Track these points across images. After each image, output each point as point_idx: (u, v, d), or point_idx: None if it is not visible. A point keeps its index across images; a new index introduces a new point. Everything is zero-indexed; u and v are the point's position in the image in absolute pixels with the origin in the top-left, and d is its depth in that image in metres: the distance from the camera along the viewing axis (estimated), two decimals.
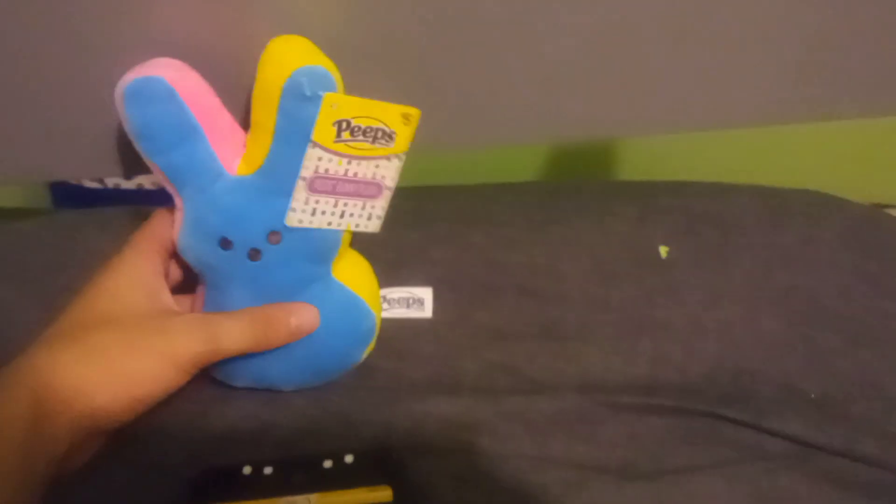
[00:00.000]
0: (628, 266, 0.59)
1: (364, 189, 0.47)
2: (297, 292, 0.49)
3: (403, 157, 0.47)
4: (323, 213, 0.46)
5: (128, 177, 0.55)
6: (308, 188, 0.45)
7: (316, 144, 0.43)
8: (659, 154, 0.98)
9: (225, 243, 0.47)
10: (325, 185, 0.45)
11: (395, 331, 0.54)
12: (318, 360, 0.51)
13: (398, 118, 0.45)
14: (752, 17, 0.52)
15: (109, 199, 1.14)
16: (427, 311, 0.58)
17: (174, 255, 0.50)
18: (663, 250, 0.59)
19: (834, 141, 1.13)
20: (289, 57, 0.43)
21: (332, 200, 0.46)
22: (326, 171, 0.45)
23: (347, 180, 0.46)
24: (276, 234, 0.47)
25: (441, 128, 0.55)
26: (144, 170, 0.50)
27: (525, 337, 0.57)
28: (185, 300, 0.52)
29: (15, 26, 0.47)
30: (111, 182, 1.16)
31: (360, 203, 0.47)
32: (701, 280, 0.59)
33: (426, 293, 0.58)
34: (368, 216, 0.48)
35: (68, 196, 1.15)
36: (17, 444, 0.39)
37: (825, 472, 0.52)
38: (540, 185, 0.67)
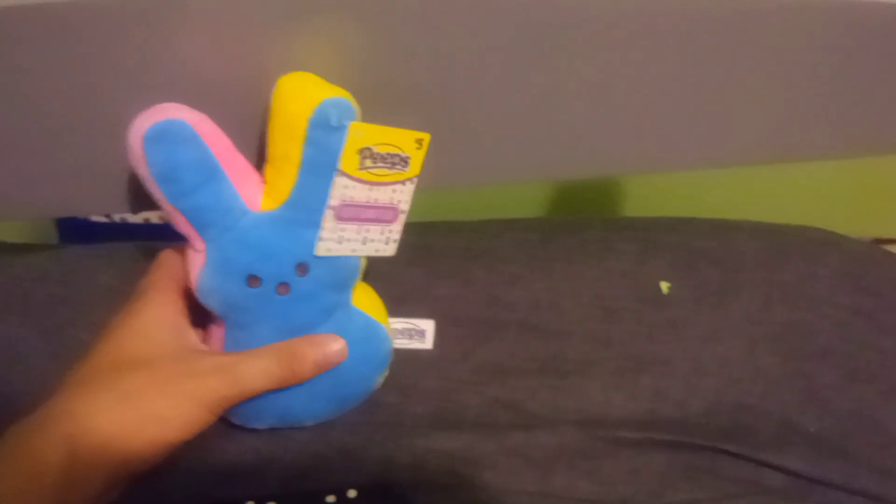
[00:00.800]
0: (629, 302, 0.60)
1: (383, 214, 0.48)
2: (321, 323, 0.49)
3: (416, 181, 0.48)
4: (349, 240, 0.47)
5: (135, 212, 0.55)
6: (336, 217, 0.46)
7: (342, 173, 0.44)
8: (660, 190, 0.99)
9: (252, 280, 0.46)
10: (350, 213, 0.46)
11: (398, 366, 0.55)
12: (343, 388, 0.51)
13: (412, 143, 0.46)
14: (751, 60, 0.53)
15: (116, 234, 1.15)
16: (428, 343, 0.58)
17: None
18: (664, 286, 0.60)
19: (833, 176, 1.13)
20: (310, 90, 0.44)
21: (355, 227, 0.47)
22: (352, 198, 0.46)
23: (369, 206, 0.47)
24: (304, 265, 0.47)
25: (445, 166, 0.56)
26: (151, 206, 0.51)
27: (526, 372, 0.57)
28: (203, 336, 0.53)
29: (25, 67, 0.47)
30: (118, 216, 1.16)
31: (379, 228, 0.48)
32: (700, 316, 0.59)
33: (428, 325, 0.59)
34: (386, 240, 0.49)
35: (75, 230, 1.16)
36: (50, 492, 0.39)
37: None
38: (542, 221, 0.68)
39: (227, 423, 0.52)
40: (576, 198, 1.11)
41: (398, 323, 0.58)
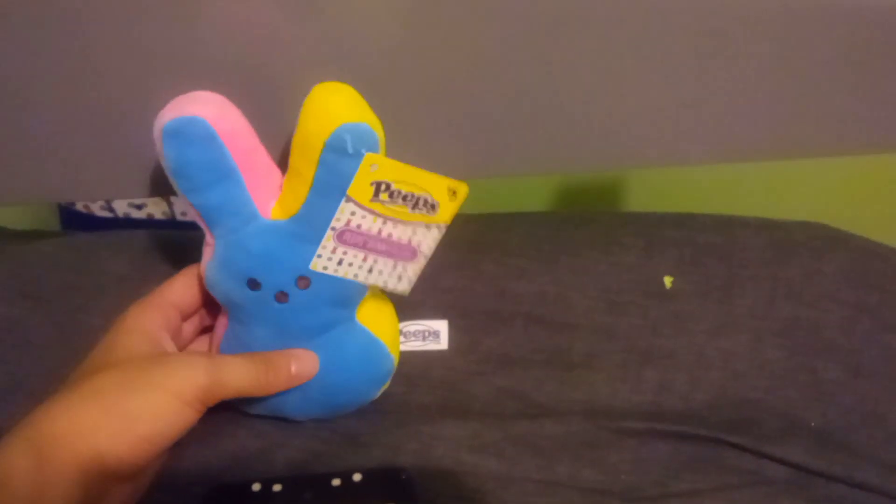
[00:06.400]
0: (634, 296, 0.60)
1: (397, 250, 0.47)
2: (319, 334, 0.49)
3: (444, 228, 0.46)
4: (350, 264, 0.46)
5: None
6: (337, 238, 0.45)
7: (350, 199, 0.43)
8: (666, 186, 0.99)
9: (253, 284, 0.47)
10: (355, 239, 0.45)
11: (406, 357, 0.55)
12: (334, 397, 0.52)
13: (444, 191, 0.44)
14: (757, 53, 0.54)
15: (120, 229, 1.15)
16: (443, 344, 0.58)
17: (194, 309, 0.51)
18: (668, 281, 0.60)
19: (839, 173, 1.12)
20: (333, 109, 0.43)
21: (361, 254, 0.46)
22: (359, 226, 0.45)
23: (380, 239, 0.46)
24: (305, 279, 0.47)
25: (454, 157, 0.56)
26: (163, 191, 0.51)
27: (533, 364, 0.58)
28: (202, 340, 0.53)
29: (56, 56, 0.48)
30: (121, 211, 1.17)
31: (391, 262, 0.47)
32: (705, 311, 0.60)
33: (442, 326, 0.59)
34: (399, 277, 0.48)
35: (79, 225, 1.16)
36: (21, 494, 0.39)
37: (825, 499, 0.53)
38: (550, 215, 0.68)
39: (235, 408, 0.53)
40: (583, 193, 1.11)
41: (412, 325, 0.58)
